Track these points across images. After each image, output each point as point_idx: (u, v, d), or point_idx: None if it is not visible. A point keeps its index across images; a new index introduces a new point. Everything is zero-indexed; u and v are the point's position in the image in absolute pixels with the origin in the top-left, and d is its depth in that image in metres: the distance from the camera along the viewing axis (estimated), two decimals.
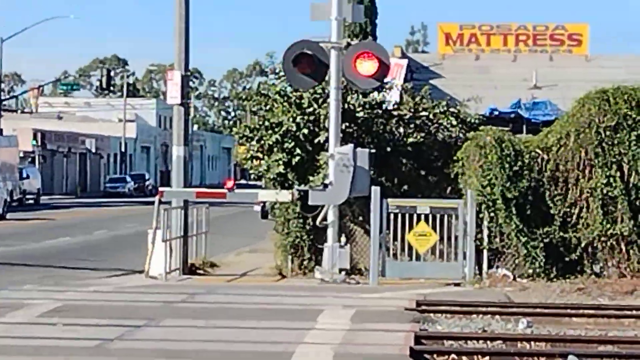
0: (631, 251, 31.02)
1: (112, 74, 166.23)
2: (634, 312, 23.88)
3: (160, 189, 36.48)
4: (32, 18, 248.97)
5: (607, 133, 31.15)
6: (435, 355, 18.67)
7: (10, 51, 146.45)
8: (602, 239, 31.10)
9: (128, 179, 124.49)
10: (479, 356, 19.33)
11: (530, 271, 30.67)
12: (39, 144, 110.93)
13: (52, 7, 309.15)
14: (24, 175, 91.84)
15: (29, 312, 22.81)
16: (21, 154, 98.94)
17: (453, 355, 19.28)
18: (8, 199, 76.52)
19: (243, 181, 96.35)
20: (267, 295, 27.21)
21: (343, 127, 31.69)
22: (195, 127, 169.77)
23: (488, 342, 20.14)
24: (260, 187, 35.15)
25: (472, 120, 35.69)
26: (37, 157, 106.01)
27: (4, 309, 23.39)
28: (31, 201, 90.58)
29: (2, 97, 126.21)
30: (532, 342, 19.82)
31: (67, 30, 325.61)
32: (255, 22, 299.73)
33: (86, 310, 23.42)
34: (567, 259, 31.09)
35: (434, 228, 31.20)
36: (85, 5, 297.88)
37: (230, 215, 47.52)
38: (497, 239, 31.16)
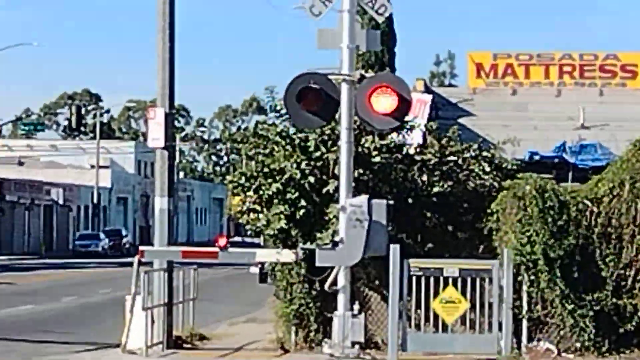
0: None
1: (83, 111, 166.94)
2: None
3: (140, 247, 36.28)
4: None
5: None
6: None
7: None
8: None
9: (102, 235, 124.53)
10: None
11: (579, 344, 30.68)
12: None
13: (13, 34, 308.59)
14: None
15: None
16: None
17: None
18: None
19: (237, 238, 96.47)
20: None
21: (356, 174, 31.66)
22: (182, 174, 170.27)
23: None
24: (258, 245, 35.14)
25: (509, 167, 35.74)
26: None
27: None
28: None
29: None
30: None
31: (31, 60, 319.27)
32: (253, 52, 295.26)
33: None
34: (621, 330, 31.10)
35: (463, 294, 31.18)
36: (51, 32, 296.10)
37: (222, 278, 47.58)
38: (539, 307, 31.15)
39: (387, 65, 41.80)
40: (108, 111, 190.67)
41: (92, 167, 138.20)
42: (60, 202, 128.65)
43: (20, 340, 36.54)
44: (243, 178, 34.90)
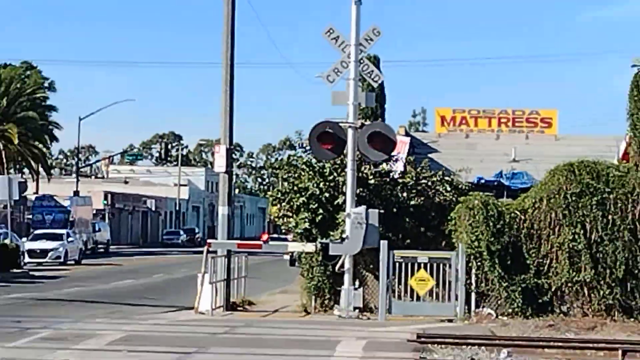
0: (592, 295, 30.94)
1: (169, 147, 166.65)
2: (594, 345, 23.92)
3: (208, 240, 36.38)
4: (103, 100, 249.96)
5: (573, 198, 31.15)
6: None
7: (86, 127, 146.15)
8: (569, 284, 31.03)
9: (181, 232, 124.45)
10: None
11: (510, 310, 30.60)
12: (109, 203, 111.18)
13: (120, 90, 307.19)
14: (96, 228, 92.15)
15: (99, 341, 22.97)
16: (94, 212, 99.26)
17: None
18: (83, 248, 76.79)
19: (275, 235, 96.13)
20: (295, 328, 27.20)
21: (357, 191, 31.68)
22: (237, 190, 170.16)
23: None
24: (289, 240, 35.02)
25: (463, 187, 35.64)
26: (107, 214, 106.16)
27: (79, 337, 23.51)
28: (102, 250, 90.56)
29: (80, 166, 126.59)
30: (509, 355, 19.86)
31: (133, 109, 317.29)
32: (285, 102, 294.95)
33: (147, 340, 23.53)
34: (540, 300, 31.02)
35: (431, 274, 31.14)
36: (147, 90, 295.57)
37: (264, 263, 47.40)
38: (483, 284, 31.09)
39: (380, 116, 41.49)
40: (187, 147, 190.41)
41: (175, 185, 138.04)
42: (153, 209, 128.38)
43: (123, 304, 36.94)
44: (279, 193, 34.88)
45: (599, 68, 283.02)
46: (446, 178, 35.88)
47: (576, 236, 31.04)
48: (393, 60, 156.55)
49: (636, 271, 30.93)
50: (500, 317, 30.30)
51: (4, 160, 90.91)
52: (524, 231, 31.37)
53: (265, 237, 34.21)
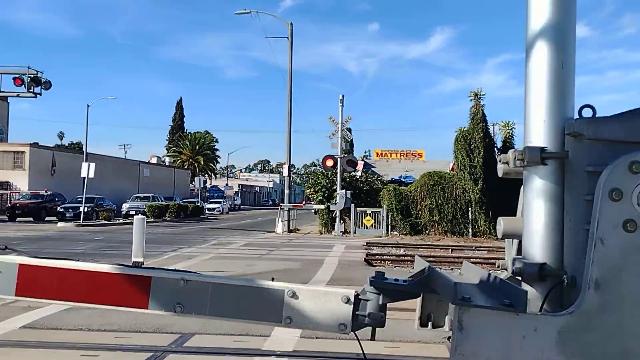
0: (438, 226, 31.04)
1: (265, 165, 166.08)
2: (440, 246, 23.93)
3: (281, 203, 36.37)
4: (242, 144, 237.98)
5: (430, 185, 31.25)
6: (373, 262, 18.80)
7: (232, 157, 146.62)
8: (429, 222, 31.15)
9: (269, 200, 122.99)
10: (388, 260, 19.42)
11: (404, 233, 30.73)
12: (240, 189, 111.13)
13: (250, 141, 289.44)
14: (235, 199, 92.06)
15: (236, 244, 23.01)
16: (234, 192, 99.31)
17: (380, 260, 19.37)
18: (229, 207, 76.70)
19: (308, 202, 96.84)
20: (316, 239, 27.22)
21: (342, 184, 31.81)
22: (292, 183, 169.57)
23: (393, 255, 20.30)
24: (313, 203, 34.99)
25: (385, 182, 35.79)
26: (239, 193, 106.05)
27: (228, 243, 23.64)
28: (237, 208, 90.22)
29: (228, 174, 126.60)
30: (404, 249, 19.99)
31: (250, 148, 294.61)
32: (312, 144, 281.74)
33: (256, 244, 23.60)
34: (417, 228, 31.14)
35: (372, 217, 31.25)
36: (247, 137, 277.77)
37: (303, 213, 47.49)
38: (393, 222, 31.21)
39: (351, 152, 41.45)
40: (271, 164, 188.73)
41: (268, 181, 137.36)
42: (257, 191, 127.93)
43: (245, 229, 36.08)
44: (310, 184, 35.02)
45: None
46: (378, 178, 36.04)
47: (431, 201, 31.14)
48: (357, 129, 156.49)
49: (457, 216, 31.05)
50: (400, 235, 30.41)
51: (197, 171, 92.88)
52: (410, 199, 31.46)
53: (303, 203, 33.80)
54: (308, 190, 36.44)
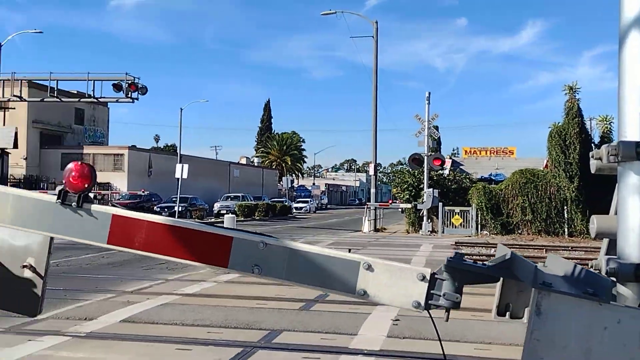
0: (532, 225, 30.09)
1: (351, 164, 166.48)
2: (533, 246, 23.24)
3: (367, 203, 36.26)
4: (327, 143, 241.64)
5: (522, 183, 30.38)
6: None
7: (317, 157, 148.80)
8: (521, 221, 30.26)
9: (356, 200, 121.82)
10: (478, 260, 19.02)
11: (495, 232, 29.97)
12: (327, 188, 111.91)
13: (334, 141, 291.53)
14: (322, 198, 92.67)
15: (322, 244, 22.84)
16: (321, 191, 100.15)
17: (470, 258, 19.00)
18: (316, 206, 77.28)
19: (394, 200, 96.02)
20: (403, 239, 27.05)
21: (429, 182, 31.42)
22: (378, 182, 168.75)
23: (483, 255, 19.92)
24: (399, 203, 34.69)
25: (474, 180, 35.06)
26: (326, 192, 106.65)
27: (311, 242, 23.87)
28: (324, 207, 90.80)
29: (314, 173, 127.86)
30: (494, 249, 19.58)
31: (336, 147, 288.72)
32: (399, 143, 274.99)
33: (343, 243, 23.63)
34: (508, 228, 30.29)
35: (461, 216, 30.72)
36: (335, 137, 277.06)
37: (389, 212, 47.12)
38: (483, 221, 30.51)
39: (438, 150, 40.75)
40: (357, 163, 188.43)
41: (354, 180, 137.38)
42: (344, 190, 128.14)
43: (331, 228, 35.86)
44: (396, 183, 34.81)
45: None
46: (467, 177, 35.36)
47: (523, 200, 30.24)
48: (444, 127, 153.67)
49: (551, 215, 29.99)
50: (490, 235, 29.71)
51: (285, 171, 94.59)
52: (501, 197, 30.66)
53: (390, 202, 33.62)
54: (395, 189, 36.21)
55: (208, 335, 7.20)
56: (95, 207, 2.27)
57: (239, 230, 2.29)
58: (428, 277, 2.25)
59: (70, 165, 2.29)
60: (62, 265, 14.39)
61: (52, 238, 2.27)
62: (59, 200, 2.26)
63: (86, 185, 2.26)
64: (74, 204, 2.26)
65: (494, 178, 42.47)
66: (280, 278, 2.21)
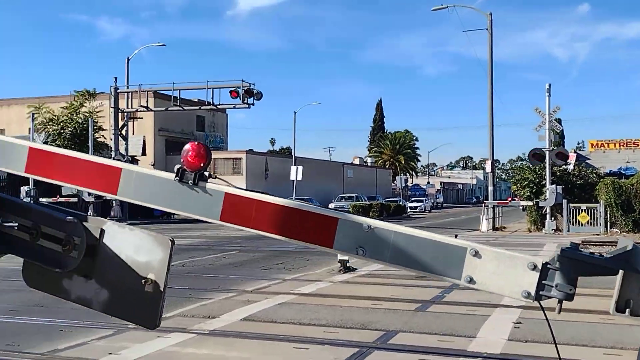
0: None
1: (467, 162, 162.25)
2: None
3: (485, 201, 35.21)
4: (439, 142, 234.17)
5: None
6: None
7: (433, 155, 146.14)
8: None
9: (473, 198, 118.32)
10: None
11: (626, 230, 28.04)
12: (442, 187, 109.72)
13: (449, 139, 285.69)
14: (437, 197, 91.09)
15: None
16: (436, 189, 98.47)
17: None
18: (431, 205, 75.81)
19: (514, 198, 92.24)
20: (524, 238, 26.09)
21: (551, 178, 30.02)
22: (497, 179, 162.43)
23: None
24: (519, 200, 33.35)
25: (601, 174, 33.11)
26: (441, 191, 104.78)
27: None
28: (439, 206, 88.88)
29: (429, 172, 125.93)
30: None
31: (451, 146, 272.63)
32: (516, 138, 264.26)
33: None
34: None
35: (587, 214, 29.06)
36: (448, 132, 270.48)
37: (509, 210, 45.41)
38: (612, 218, 28.65)
39: (561, 144, 38.73)
40: (474, 160, 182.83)
41: (470, 177, 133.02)
42: (460, 188, 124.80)
43: (446, 227, 34.62)
44: (516, 180, 33.66)
45: None
46: (595, 171, 33.51)
47: None
48: (567, 119, 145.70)
49: None
50: (622, 233, 27.84)
51: (398, 170, 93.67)
52: (632, 193, 28.63)
53: (509, 199, 32.48)
54: (514, 186, 34.84)
55: (324, 334, 7.29)
56: (209, 185, 2.37)
57: (343, 211, 2.30)
58: (539, 267, 2.18)
59: (188, 146, 2.42)
60: (187, 266, 15.02)
61: (171, 255, 2.36)
62: (177, 178, 2.39)
63: (202, 164, 2.37)
64: (190, 181, 2.37)
65: (624, 172, 39.79)
66: (384, 261, 2.19)
